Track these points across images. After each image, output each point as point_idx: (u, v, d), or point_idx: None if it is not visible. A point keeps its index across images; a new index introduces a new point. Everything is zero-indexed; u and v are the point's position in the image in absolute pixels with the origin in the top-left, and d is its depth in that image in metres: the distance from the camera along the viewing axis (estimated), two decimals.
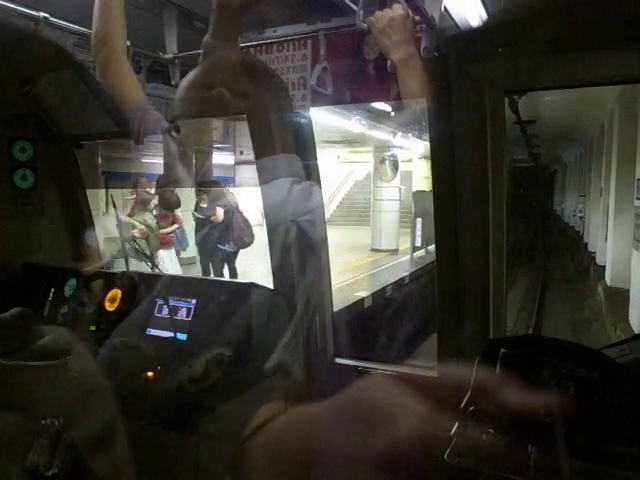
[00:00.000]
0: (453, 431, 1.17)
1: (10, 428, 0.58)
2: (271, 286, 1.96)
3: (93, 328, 1.93)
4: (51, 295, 2.10)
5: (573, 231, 19.77)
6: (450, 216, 1.57)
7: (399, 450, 0.33)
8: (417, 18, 1.46)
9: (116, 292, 1.99)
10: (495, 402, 1.18)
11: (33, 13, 1.39)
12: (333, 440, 0.32)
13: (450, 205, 1.55)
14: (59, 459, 0.58)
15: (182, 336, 1.79)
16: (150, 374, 1.59)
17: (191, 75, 1.55)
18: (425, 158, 15.00)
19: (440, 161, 1.55)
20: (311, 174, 1.84)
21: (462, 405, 1.24)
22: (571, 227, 20.76)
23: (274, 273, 1.98)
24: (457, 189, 1.53)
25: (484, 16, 1.57)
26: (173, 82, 2.00)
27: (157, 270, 2.71)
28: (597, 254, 12.71)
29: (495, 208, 1.58)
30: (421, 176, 15.53)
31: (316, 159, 1.86)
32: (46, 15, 1.41)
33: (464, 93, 1.41)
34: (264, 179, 1.84)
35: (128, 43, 1.75)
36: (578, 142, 17.86)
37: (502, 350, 1.24)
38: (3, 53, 1.15)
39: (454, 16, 1.68)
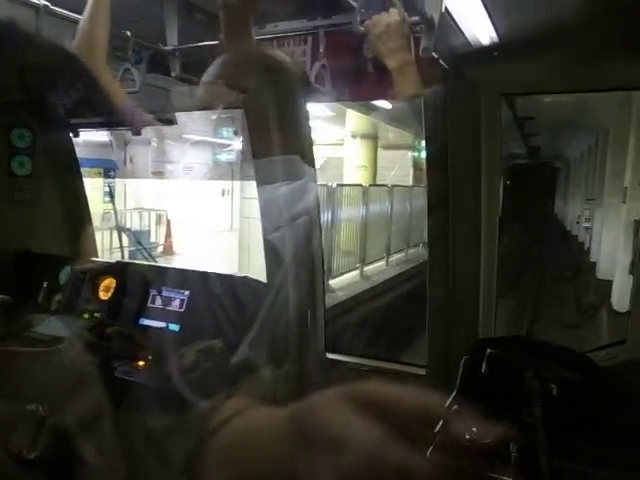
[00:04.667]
0: (437, 429, 1.19)
1: None
2: (264, 280, 1.98)
3: (87, 316, 1.94)
4: (46, 283, 2.11)
5: (575, 242, 15.66)
6: (443, 217, 1.58)
7: (381, 446, 0.34)
8: (416, 19, 1.47)
9: (110, 281, 2.00)
10: (479, 401, 1.21)
11: (34, 0, 1.40)
12: (312, 437, 0.33)
13: (443, 206, 1.57)
14: (41, 443, 0.60)
15: (174, 327, 1.81)
16: (141, 363, 1.61)
17: (208, 71, 1.60)
18: (366, 137, 11.05)
19: (435, 162, 1.57)
20: (307, 171, 1.85)
21: (447, 403, 1.26)
22: (574, 236, 16.69)
23: (267, 267, 2.00)
24: (450, 190, 1.55)
25: (485, 17, 1.58)
26: (173, 74, 2.00)
27: (152, 260, 2.72)
28: (615, 293, 8.09)
29: (488, 209, 1.60)
30: (356, 165, 11.26)
31: (313, 156, 1.88)
32: (47, 3, 1.42)
33: (460, 95, 1.42)
34: (261, 176, 1.86)
35: (129, 34, 1.76)
36: (586, 130, 13.66)
37: (488, 350, 1.27)
38: (3, 41, 1.16)
39: (455, 17, 1.68)
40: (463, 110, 1.46)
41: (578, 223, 15.55)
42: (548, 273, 12.97)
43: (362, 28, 1.40)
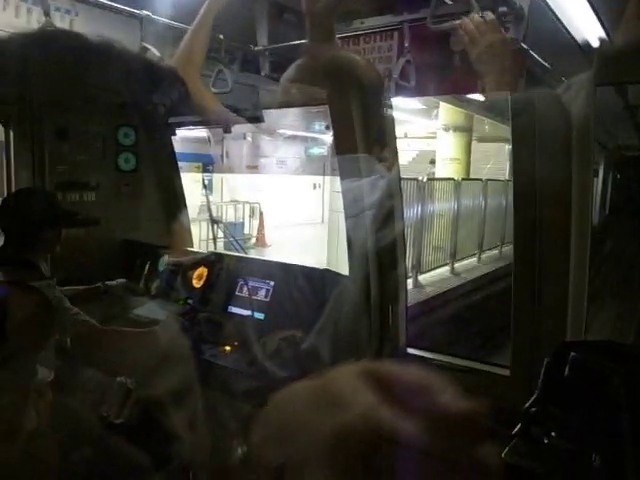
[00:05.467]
0: (515, 430, 1.15)
1: (91, 382, 0.69)
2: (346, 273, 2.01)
3: (181, 302, 2.08)
4: (146, 270, 2.29)
5: None
6: (530, 213, 1.52)
7: (457, 441, 0.35)
8: (504, 9, 1.43)
9: (202, 270, 2.13)
10: (560, 406, 1.16)
11: (136, 12, 1.53)
12: (390, 424, 0.35)
13: (530, 202, 1.51)
14: (127, 411, 0.69)
15: (259, 315, 1.90)
16: (228, 348, 1.71)
17: (290, 71, 1.67)
18: (459, 130, 10.49)
19: (522, 156, 1.51)
20: (391, 167, 1.85)
21: (526, 405, 1.22)
22: None
23: (350, 261, 2.03)
24: (538, 187, 1.49)
25: (579, 4, 1.49)
26: (262, 73, 2.08)
27: (243, 252, 2.85)
28: None
29: (580, 207, 1.51)
30: (449, 158, 10.78)
31: (396, 151, 1.87)
32: (148, 13, 1.55)
33: (550, 87, 1.36)
34: (344, 171, 1.89)
35: (221, 37, 1.86)
36: None
37: (572, 354, 1.21)
38: (109, 52, 1.28)
39: (548, 4, 1.61)
40: (553, 103, 1.40)
41: None
42: None
43: (434, 26, 1.38)
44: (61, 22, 1.57)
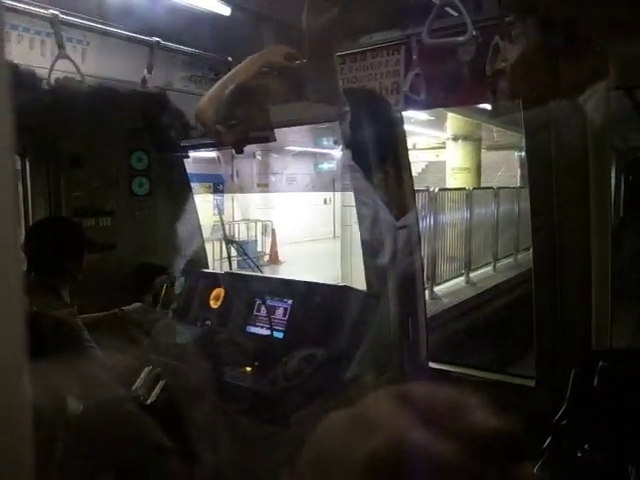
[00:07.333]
0: (546, 444, 1.12)
1: (124, 366, 0.77)
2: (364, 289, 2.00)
3: (199, 324, 2.08)
4: (163, 292, 2.29)
5: None
6: (548, 220, 1.51)
7: (486, 457, 0.35)
8: (510, 19, 1.42)
9: (219, 291, 2.13)
10: (592, 417, 1.13)
11: (147, 38, 1.56)
12: (418, 443, 0.34)
13: (548, 207, 1.49)
14: (155, 394, 0.76)
15: (278, 334, 1.89)
16: (248, 369, 1.69)
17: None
18: (468, 139, 10.39)
19: (537, 163, 1.50)
20: (404, 180, 1.85)
21: (556, 418, 1.19)
22: None
23: (367, 276, 2.02)
24: (555, 191, 1.47)
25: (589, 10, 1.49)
26: None
27: (258, 271, 2.85)
28: None
29: (599, 210, 1.49)
30: (459, 168, 10.69)
31: (409, 164, 1.87)
32: (158, 39, 1.57)
33: (563, 92, 1.35)
34: (358, 187, 1.89)
35: (230, 59, 1.88)
36: None
37: (600, 363, 1.18)
38: (123, 94, 1.30)
39: None
40: (567, 108, 1.39)
41: None
42: None
43: (430, 40, 1.38)
44: (73, 52, 1.61)
